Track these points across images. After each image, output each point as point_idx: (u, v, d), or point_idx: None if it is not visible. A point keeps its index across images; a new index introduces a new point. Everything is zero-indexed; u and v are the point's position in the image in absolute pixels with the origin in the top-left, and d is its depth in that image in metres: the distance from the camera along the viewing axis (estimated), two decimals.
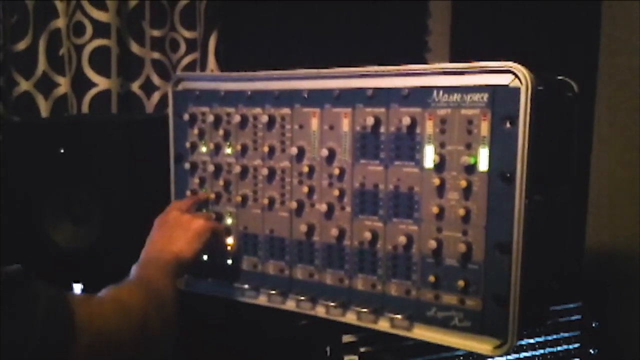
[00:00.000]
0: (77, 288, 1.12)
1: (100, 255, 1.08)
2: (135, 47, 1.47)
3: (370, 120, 0.88)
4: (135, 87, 1.48)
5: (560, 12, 1.45)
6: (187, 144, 1.06)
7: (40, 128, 1.20)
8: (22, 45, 1.41)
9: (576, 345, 1.11)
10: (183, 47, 1.53)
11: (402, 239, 0.87)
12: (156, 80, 1.50)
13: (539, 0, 1.46)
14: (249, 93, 0.99)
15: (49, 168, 1.12)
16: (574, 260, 1.35)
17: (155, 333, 0.76)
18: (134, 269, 0.87)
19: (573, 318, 1.11)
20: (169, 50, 1.53)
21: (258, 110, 0.99)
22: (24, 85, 1.41)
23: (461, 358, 1.02)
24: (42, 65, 1.42)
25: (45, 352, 0.61)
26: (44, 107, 1.43)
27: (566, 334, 1.11)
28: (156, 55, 1.50)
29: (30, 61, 1.41)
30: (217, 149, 1.04)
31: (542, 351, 1.09)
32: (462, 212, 0.82)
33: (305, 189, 0.95)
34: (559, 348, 1.10)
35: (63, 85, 1.44)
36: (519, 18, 1.50)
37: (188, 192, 1.07)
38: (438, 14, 1.66)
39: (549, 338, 1.09)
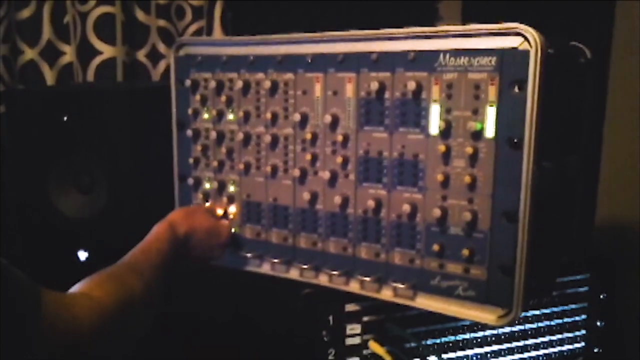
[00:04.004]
0: (82, 256, 1.12)
1: (106, 224, 1.08)
2: (140, 15, 1.46)
3: (374, 86, 0.86)
4: (141, 55, 1.47)
5: None
6: (190, 111, 1.05)
7: (44, 96, 1.18)
8: (26, 13, 1.39)
9: (583, 317, 1.09)
10: (189, 15, 1.51)
11: (407, 208, 0.85)
12: (162, 48, 1.48)
13: None
14: (252, 58, 0.98)
15: (54, 137, 1.11)
16: (583, 232, 1.34)
17: (126, 324, 0.75)
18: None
19: (581, 290, 1.09)
20: (174, 18, 1.51)
21: (261, 75, 0.97)
22: (29, 54, 1.41)
23: (465, 328, 1.00)
24: (46, 33, 1.41)
25: (6, 332, 0.59)
26: (49, 76, 1.43)
27: (573, 306, 1.09)
28: (162, 22, 1.48)
29: (34, 29, 1.40)
30: (220, 115, 1.02)
31: (548, 323, 1.07)
32: (467, 179, 0.80)
33: (309, 157, 0.94)
34: (565, 320, 1.08)
35: (68, 53, 1.43)
36: None
37: (190, 160, 1.06)
38: None
39: (556, 310, 1.07)
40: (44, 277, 0.68)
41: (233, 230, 1.03)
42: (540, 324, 1.07)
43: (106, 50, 1.40)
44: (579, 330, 1.09)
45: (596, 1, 1.42)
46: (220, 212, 1.04)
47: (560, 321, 1.08)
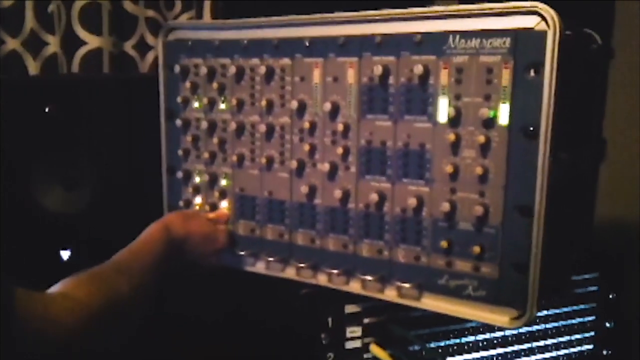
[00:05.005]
0: (65, 255, 1.09)
1: (92, 221, 1.06)
2: (128, 5, 1.41)
3: (378, 71, 0.82)
4: (128, 46, 1.43)
5: None
6: (179, 99, 1.02)
7: (27, 86, 1.16)
8: (8, 1, 1.34)
9: (592, 318, 1.06)
10: (179, 5, 1.47)
11: (412, 201, 0.81)
12: (150, 39, 1.43)
13: None
14: (246, 42, 0.94)
15: (37, 129, 1.07)
16: (590, 229, 1.30)
17: (110, 325, 0.75)
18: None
19: (590, 289, 1.05)
20: (163, 8, 1.46)
21: (255, 61, 0.94)
22: (11, 44, 1.36)
23: (471, 330, 0.97)
24: (29, 22, 1.36)
25: None
26: (32, 67, 1.38)
27: (582, 306, 1.06)
28: (150, 13, 1.43)
29: (17, 18, 1.35)
30: (211, 104, 0.99)
31: (555, 324, 1.04)
32: (479, 171, 0.76)
33: (307, 147, 0.90)
34: (573, 321, 1.05)
35: (52, 44, 1.38)
36: None
37: (180, 151, 1.03)
38: None
39: (566, 310, 1.04)
40: (26, 276, 0.66)
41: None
42: (547, 325, 1.04)
43: (92, 41, 1.36)
44: (587, 332, 1.06)
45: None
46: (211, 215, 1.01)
47: (568, 322, 1.05)
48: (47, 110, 1.07)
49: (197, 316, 1.05)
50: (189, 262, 0.94)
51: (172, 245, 0.90)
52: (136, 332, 0.80)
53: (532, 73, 0.72)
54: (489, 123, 0.75)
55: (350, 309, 0.90)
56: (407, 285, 0.83)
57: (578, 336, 1.05)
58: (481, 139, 0.75)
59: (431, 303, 0.83)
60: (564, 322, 1.04)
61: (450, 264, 0.81)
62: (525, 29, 0.72)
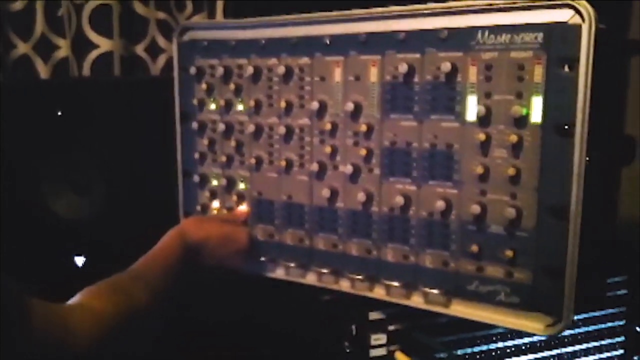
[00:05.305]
0: (79, 261, 1.10)
1: (104, 226, 1.06)
2: (138, 7, 1.41)
3: (402, 68, 0.79)
4: (139, 49, 1.43)
5: None
6: (194, 101, 1.00)
7: (38, 90, 1.17)
8: (18, 5, 1.35)
9: (621, 322, 1.03)
10: (190, 7, 1.47)
11: (440, 204, 0.79)
12: (162, 42, 1.44)
13: None
14: (263, 42, 0.92)
15: (48, 133, 1.09)
16: (615, 230, 1.27)
17: (129, 336, 0.75)
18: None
19: (619, 293, 1.02)
20: (175, 10, 1.46)
21: (273, 60, 0.91)
22: (22, 48, 1.37)
23: (499, 336, 0.94)
24: (40, 26, 1.38)
25: None
26: (43, 71, 1.39)
27: (611, 310, 1.02)
28: (161, 15, 1.44)
29: (27, 22, 1.37)
30: (228, 105, 0.97)
31: (584, 329, 1.00)
32: (510, 171, 0.73)
33: (328, 149, 0.88)
34: (602, 325, 1.02)
35: (63, 47, 1.40)
36: None
37: (196, 155, 1.01)
38: None
39: (595, 314, 1.00)
40: (38, 284, 0.68)
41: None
42: (576, 331, 1.00)
43: (103, 44, 1.36)
44: (617, 337, 1.03)
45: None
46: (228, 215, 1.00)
47: (597, 327, 1.02)
48: (60, 114, 1.08)
49: (216, 322, 1.04)
50: (212, 266, 0.93)
51: (189, 250, 0.88)
52: (157, 339, 0.81)
53: (566, 69, 0.69)
54: (521, 121, 0.72)
55: (374, 315, 0.88)
56: (434, 291, 0.81)
57: (608, 341, 1.02)
58: (513, 138, 0.73)
59: (461, 309, 0.80)
60: (594, 327, 1.01)
61: (480, 269, 0.78)
62: (558, 22, 0.69)
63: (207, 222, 0.95)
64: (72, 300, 0.73)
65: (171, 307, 0.84)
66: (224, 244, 0.93)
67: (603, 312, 1.01)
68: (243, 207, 0.98)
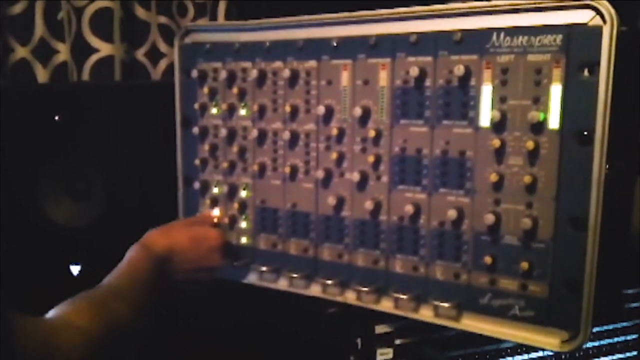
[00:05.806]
0: (75, 270, 1.09)
1: (102, 234, 1.05)
2: (140, 11, 1.41)
3: (413, 72, 0.77)
4: (140, 54, 1.42)
5: None
6: (196, 106, 0.98)
7: (36, 94, 1.16)
8: (17, 9, 1.35)
9: (635, 335, 1.01)
10: (192, 11, 1.46)
11: (451, 213, 0.76)
12: (163, 46, 1.43)
13: None
14: (268, 44, 0.91)
15: (46, 138, 1.08)
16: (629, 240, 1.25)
17: (114, 352, 0.75)
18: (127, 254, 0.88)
19: (633, 305, 1.00)
20: (176, 14, 1.46)
21: (278, 64, 0.90)
22: (21, 52, 1.37)
23: (508, 351, 0.92)
24: (39, 30, 1.37)
25: None
26: (42, 75, 1.39)
27: (624, 323, 1.00)
28: (163, 19, 1.43)
29: (26, 26, 1.36)
30: (231, 110, 0.95)
31: (597, 343, 0.98)
32: (527, 180, 0.71)
33: (334, 156, 0.86)
34: (617, 339, 1.00)
35: (62, 51, 1.39)
36: None
37: (197, 161, 0.99)
38: None
39: (607, 327, 0.99)
40: (33, 292, 0.70)
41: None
42: (589, 345, 0.98)
43: (103, 48, 1.35)
44: (630, 351, 1.01)
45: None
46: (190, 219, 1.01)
47: (611, 341, 1.00)
48: (57, 119, 1.07)
49: (219, 333, 1.03)
50: (190, 269, 0.92)
51: (158, 261, 0.88)
52: (138, 352, 0.81)
53: (586, 73, 0.68)
54: (538, 127, 0.70)
55: (380, 329, 0.86)
56: (445, 304, 0.78)
57: (621, 356, 1.00)
58: (529, 144, 0.71)
59: (472, 324, 0.78)
60: (607, 340, 0.99)
61: (493, 282, 0.75)
62: (578, 24, 0.68)
63: (171, 229, 0.94)
64: (54, 315, 0.72)
65: (152, 319, 0.83)
66: (194, 246, 0.92)
67: (616, 325, 0.99)
68: (214, 211, 0.98)
